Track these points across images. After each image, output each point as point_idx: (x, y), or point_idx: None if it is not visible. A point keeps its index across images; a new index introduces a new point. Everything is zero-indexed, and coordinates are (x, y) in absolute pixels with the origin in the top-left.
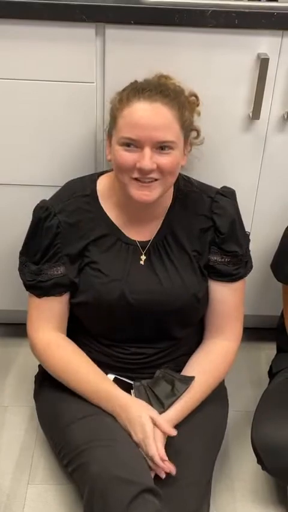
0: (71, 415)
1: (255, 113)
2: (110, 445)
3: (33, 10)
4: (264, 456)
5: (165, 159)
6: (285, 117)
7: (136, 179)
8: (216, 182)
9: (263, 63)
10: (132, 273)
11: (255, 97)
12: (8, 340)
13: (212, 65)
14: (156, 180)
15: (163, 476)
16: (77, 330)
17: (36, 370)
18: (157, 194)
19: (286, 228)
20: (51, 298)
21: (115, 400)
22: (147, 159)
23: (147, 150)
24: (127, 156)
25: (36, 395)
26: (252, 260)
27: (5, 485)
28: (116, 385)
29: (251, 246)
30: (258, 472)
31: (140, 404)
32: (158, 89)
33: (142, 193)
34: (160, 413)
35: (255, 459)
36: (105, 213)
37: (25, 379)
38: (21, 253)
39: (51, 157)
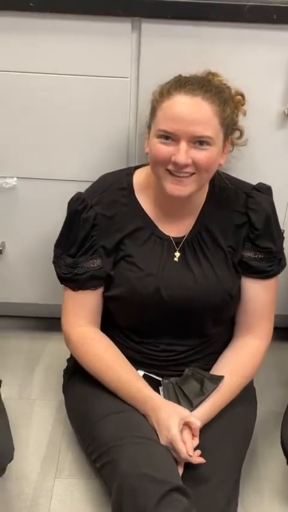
0: (100, 411)
1: None
2: (139, 443)
3: (70, 4)
4: None
5: (201, 155)
6: None
7: (171, 173)
8: (250, 179)
9: None
10: (167, 269)
11: None
12: (37, 334)
13: (248, 60)
14: (191, 175)
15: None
16: (108, 325)
17: (64, 364)
18: (190, 190)
19: None
20: (87, 292)
21: (147, 400)
22: (183, 153)
23: (183, 144)
24: (163, 149)
25: (66, 389)
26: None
27: (32, 479)
28: (148, 385)
29: (284, 243)
30: (287, 473)
31: (170, 406)
32: (201, 83)
33: (175, 188)
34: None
35: (284, 460)
36: (141, 206)
37: (53, 373)
38: (56, 246)
39: (84, 152)
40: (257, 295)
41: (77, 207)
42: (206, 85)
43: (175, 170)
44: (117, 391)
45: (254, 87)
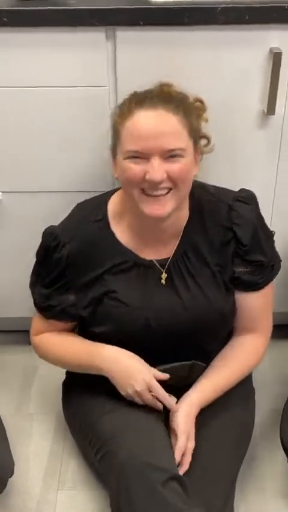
0: (100, 410)
1: (270, 109)
2: (137, 433)
3: (43, 17)
4: None
5: (175, 167)
6: None
7: (147, 194)
8: (234, 181)
9: (276, 57)
10: (154, 297)
11: (269, 92)
12: (30, 348)
13: (224, 62)
14: (168, 191)
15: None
16: None
17: (61, 377)
18: (170, 207)
19: None
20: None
21: (106, 353)
22: (156, 169)
23: (155, 160)
24: (135, 169)
25: (65, 399)
26: None
27: (35, 492)
28: (105, 344)
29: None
30: (287, 470)
31: (133, 357)
32: (160, 96)
33: (154, 208)
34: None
35: (285, 458)
36: (118, 240)
37: (50, 386)
38: (33, 272)
39: (67, 162)
40: (253, 304)
41: (50, 243)
42: (165, 97)
43: (151, 188)
44: (83, 366)
45: (232, 88)
